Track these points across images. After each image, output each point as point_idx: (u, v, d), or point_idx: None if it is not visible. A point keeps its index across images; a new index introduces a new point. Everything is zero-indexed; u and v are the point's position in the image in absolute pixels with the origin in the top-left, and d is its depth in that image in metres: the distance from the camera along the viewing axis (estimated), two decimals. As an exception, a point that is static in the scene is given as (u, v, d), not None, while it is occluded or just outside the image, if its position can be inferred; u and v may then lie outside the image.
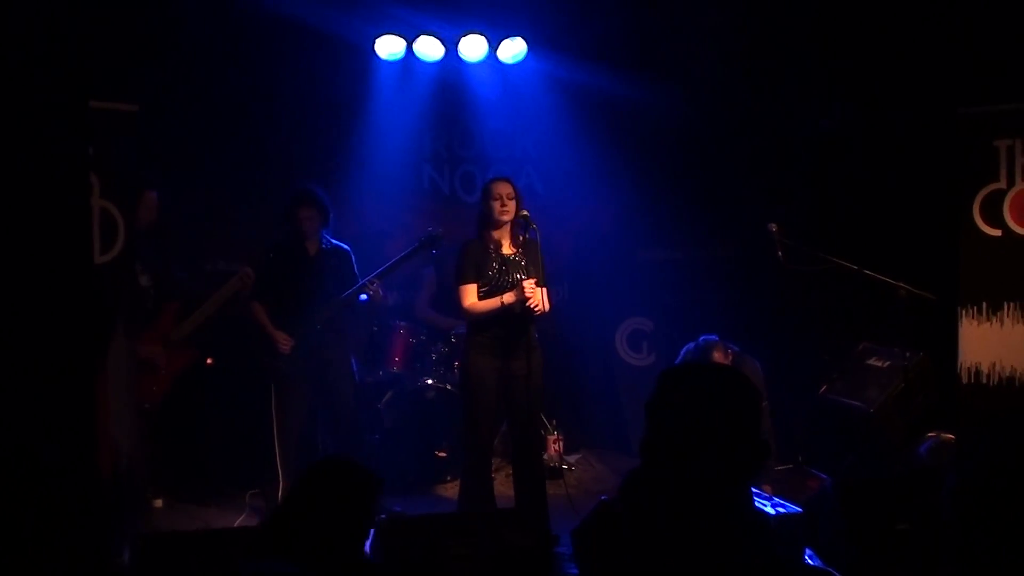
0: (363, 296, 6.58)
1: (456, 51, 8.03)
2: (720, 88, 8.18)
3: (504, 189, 6.03)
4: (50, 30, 4.55)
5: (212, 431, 7.19)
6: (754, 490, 5.04)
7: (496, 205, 6.02)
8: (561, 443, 7.62)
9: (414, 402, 7.36)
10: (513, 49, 8.10)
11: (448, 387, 7.32)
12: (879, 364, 6.98)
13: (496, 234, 6.11)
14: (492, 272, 6.05)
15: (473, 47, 8.04)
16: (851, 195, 7.90)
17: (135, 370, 5.67)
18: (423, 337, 7.56)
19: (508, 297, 5.95)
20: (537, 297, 5.90)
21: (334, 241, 6.77)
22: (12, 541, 4.35)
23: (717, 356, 6.61)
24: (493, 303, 5.99)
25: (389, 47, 7.93)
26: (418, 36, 7.92)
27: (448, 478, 7.37)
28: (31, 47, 4.51)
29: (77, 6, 4.68)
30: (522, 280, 5.95)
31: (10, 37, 4.45)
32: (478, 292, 6.05)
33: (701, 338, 6.76)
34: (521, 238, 6.11)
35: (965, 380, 6.49)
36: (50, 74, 4.57)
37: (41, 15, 4.51)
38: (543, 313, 6.02)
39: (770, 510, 5.08)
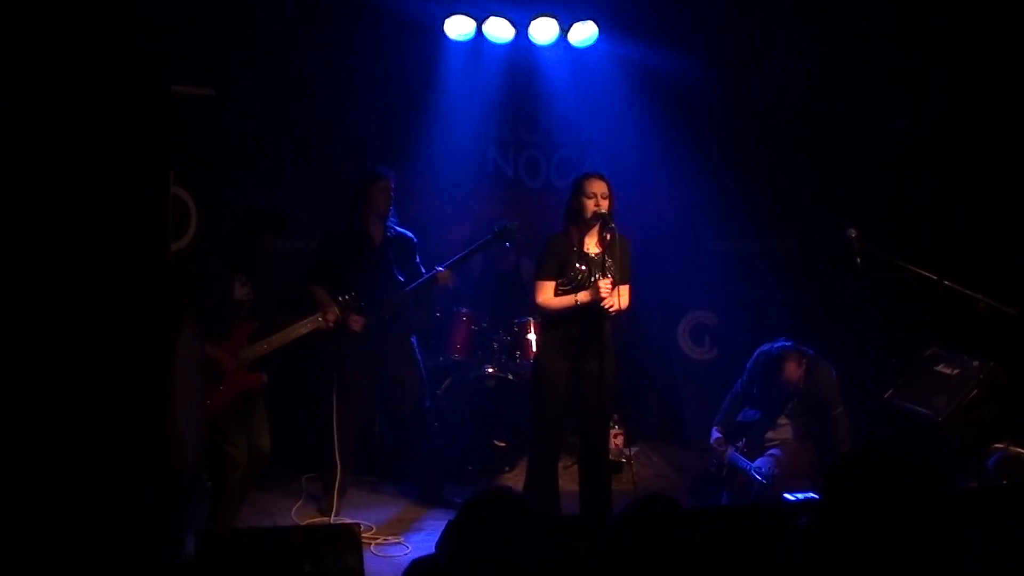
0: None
1: (526, 33, 7.84)
2: (798, 80, 7.95)
3: (600, 188, 5.87)
4: (130, 15, 4.45)
5: (271, 414, 7.13)
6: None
7: (590, 204, 5.85)
8: (621, 437, 7.50)
9: (474, 391, 7.23)
10: (584, 32, 7.90)
11: (509, 376, 7.19)
12: (948, 371, 6.69)
13: (583, 231, 5.96)
14: (575, 271, 5.91)
15: (543, 29, 7.85)
16: (932, 198, 7.62)
17: (204, 366, 5.53)
18: (485, 324, 7.41)
19: (583, 296, 5.82)
20: (612, 297, 5.78)
21: (399, 229, 6.66)
22: (83, 532, 4.33)
23: (790, 367, 6.40)
24: (567, 300, 5.87)
25: (458, 28, 7.76)
26: (488, 17, 7.74)
27: (507, 468, 7.26)
28: (112, 32, 4.43)
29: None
30: (598, 279, 5.82)
31: (92, 24, 4.37)
32: (556, 290, 5.92)
33: (777, 342, 6.56)
34: (608, 236, 5.88)
35: (1040, 393, 6.31)
36: (131, 59, 4.48)
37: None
38: (619, 312, 5.88)
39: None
